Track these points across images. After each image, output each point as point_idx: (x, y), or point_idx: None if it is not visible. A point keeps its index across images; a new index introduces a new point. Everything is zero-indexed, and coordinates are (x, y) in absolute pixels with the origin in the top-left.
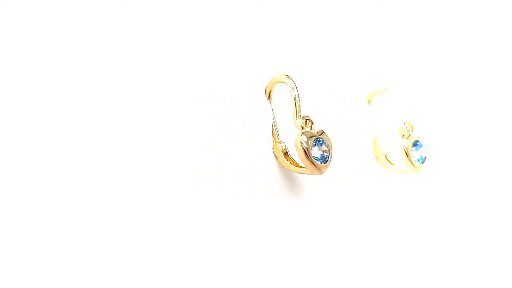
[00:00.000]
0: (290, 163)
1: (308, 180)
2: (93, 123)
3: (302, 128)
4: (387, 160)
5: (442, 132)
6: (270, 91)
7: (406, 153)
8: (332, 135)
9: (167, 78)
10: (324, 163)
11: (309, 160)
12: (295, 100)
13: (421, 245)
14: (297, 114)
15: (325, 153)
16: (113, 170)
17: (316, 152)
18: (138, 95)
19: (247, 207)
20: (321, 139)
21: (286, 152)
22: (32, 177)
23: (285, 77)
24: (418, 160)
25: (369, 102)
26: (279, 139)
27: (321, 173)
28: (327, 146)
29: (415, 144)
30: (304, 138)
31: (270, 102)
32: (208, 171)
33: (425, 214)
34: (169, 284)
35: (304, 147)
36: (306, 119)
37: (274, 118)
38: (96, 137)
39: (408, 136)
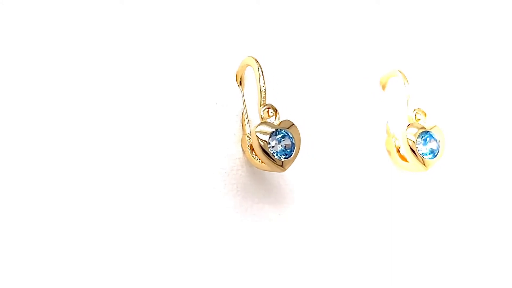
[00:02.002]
0: (257, 158)
1: (294, 180)
2: (89, 124)
3: (262, 118)
4: (399, 155)
5: (466, 122)
6: (241, 77)
7: (410, 146)
8: (330, 134)
9: (163, 77)
10: (287, 158)
11: (266, 156)
12: (260, 86)
13: (431, 263)
14: (261, 103)
15: (287, 147)
16: (106, 171)
17: (276, 145)
18: (135, 95)
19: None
20: (282, 131)
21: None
22: (31, 179)
23: (252, 59)
24: (426, 154)
25: (384, 87)
26: (248, 131)
27: (283, 170)
28: (291, 139)
29: (423, 135)
30: (261, 129)
31: (242, 89)
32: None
33: (437, 225)
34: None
35: (260, 140)
36: (268, 108)
37: (245, 107)
38: (91, 139)
39: (416, 125)
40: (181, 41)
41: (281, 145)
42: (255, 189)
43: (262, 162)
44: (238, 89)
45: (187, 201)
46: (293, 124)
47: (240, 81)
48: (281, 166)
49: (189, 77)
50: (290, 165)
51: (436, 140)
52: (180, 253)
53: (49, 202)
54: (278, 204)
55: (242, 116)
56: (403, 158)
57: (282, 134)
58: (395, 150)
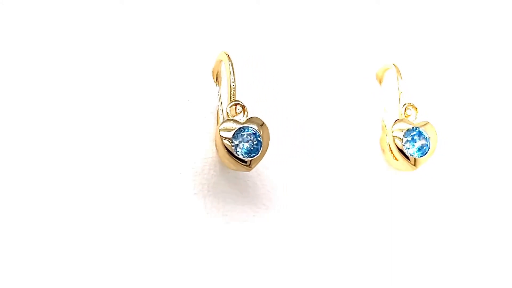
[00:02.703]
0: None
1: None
2: (55, 123)
3: (228, 115)
4: (392, 153)
5: (464, 120)
6: (217, 72)
7: (395, 144)
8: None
9: (133, 73)
10: (252, 157)
11: (229, 154)
12: (230, 82)
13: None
14: (230, 99)
15: (254, 145)
16: (75, 170)
17: (240, 143)
18: (105, 92)
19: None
20: (247, 128)
21: None
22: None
23: (224, 54)
24: (413, 153)
25: (380, 81)
26: None
27: (249, 169)
28: (257, 137)
29: (411, 131)
30: (225, 126)
31: (218, 85)
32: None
33: (432, 225)
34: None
35: (223, 138)
36: (235, 104)
37: (221, 104)
38: (57, 139)
39: (404, 121)
40: (155, 35)
41: (247, 143)
42: (228, 190)
43: (227, 161)
44: (214, 86)
45: (154, 202)
46: (263, 122)
47: (216, 77)
48: (247, 165)
49: (162, 73)
50: (257, 164)
51: (425, 137)
52: (147, 255)
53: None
54: (253, 205)
55: (217, 113)
56: (395, 157)
57: (248, 132)
58: (388, 148)
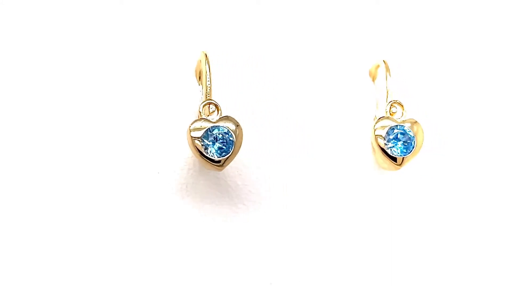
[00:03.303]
0: None
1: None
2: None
3: (201, 114)
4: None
5: (456, 118)
6: (200, 72)
7: (378, 142)
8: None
9: (116, 73)
10: (223, 156)
11: (199, 153)
12: (205, 81)
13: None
14: (205, 98)
15: (224, 145)
16: (55, 170)
17: (211, 142)
18: (86, 89)
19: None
20: (218, 128)
21: None
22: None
23: (203, 54)
24: (396, 152)
25: (373, 78)
26: None
27: (221, 168)
28: (229, 136)
29: (394, 129)
30: (196, 125)
31: (201, 84)
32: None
33: (426, 227)
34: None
35: (193, 137)
36: (208, 104)
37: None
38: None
39: (389, 119)
40: (151, 34)
41: (218, 143)
42: (208, 190)
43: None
44: (197, 86)
45: (132, 202)
46: (239, 123)
47: (199, 77)
48: (220, 164)
49: (144, 73)
50: (229, 163)
51: (410, 135)
52: (125, 256)
53: None
54: (233, 206)
55: (199, 113)
56: None
57: (219, 131)
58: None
